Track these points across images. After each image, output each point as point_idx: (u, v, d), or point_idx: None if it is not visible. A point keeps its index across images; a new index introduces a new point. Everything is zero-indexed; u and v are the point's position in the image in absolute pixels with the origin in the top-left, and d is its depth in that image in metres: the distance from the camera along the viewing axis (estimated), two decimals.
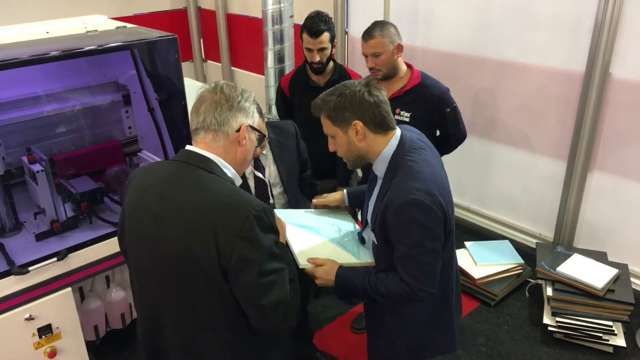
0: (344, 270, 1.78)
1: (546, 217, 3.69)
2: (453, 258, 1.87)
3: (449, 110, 2.65)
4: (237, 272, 1.37)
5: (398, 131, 1.75)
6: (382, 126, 1.70)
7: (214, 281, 1.39)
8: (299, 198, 2.51)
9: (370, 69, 2.66)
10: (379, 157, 1.72)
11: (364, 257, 1.88)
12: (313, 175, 2.66)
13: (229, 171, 1.52)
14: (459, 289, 2.00)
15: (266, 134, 2.13)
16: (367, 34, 2.62)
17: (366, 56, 2.66)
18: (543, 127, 3.54)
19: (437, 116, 2.66)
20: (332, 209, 2.20)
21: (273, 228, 1.44)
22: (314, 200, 2.20)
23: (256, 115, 1.58)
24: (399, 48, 2.62)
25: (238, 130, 1.51)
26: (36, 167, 2.50)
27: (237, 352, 1.50)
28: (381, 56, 2.60)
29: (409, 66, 2.73)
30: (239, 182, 1.56)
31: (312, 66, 2.92)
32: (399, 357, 1.91)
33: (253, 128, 1.57)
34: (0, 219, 2.59)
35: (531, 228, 3.81)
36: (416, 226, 1.61)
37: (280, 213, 2.05)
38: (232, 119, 1.50)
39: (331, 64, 2.99)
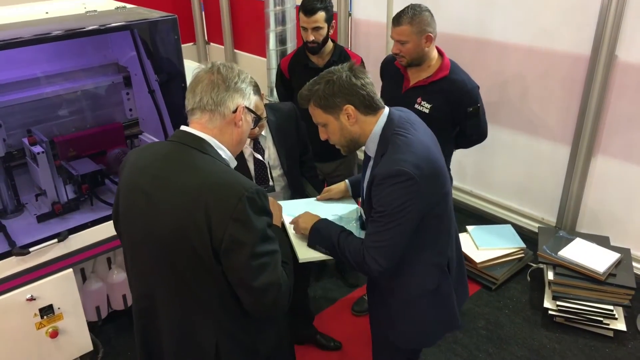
0: (326, 220, 1.82)
1: (549, 202, 3.67)
2: (452, 234, 1.86)
3: (471, 109, 2.52)
4: (228, 253, 1.37)
5: (386, 110, 1.75)
6: (371, 107, 1.71)
7: (206, 262, 1.39)
8: (298, 180, 2.50)
9: (395, 54, 2.54)
10: (369, 137, 1.73)
11: None
12: (313, 157, 2.64)
13: (224, 152, 1.52)
14: (463, 268, 1.99)
15: (263, 115, 2.11)
16: (396, 19, 2.49)
17: (393, 39, 2.53)
18: (547, 111, 3.50)
19: (458, 113, 2.54)
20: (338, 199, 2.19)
21: (266, 210, 1.44)
22: (318, 197, 2.19)
23: (252, 96, 1.57)
24: (428, 39, 2.46)
25: (234, 111, 1.50)
26: (37, 149, 2.50)
27: (231, 332, 1.51)
28: (406, 45, 2.46)
29: (441, 54, 2.58)
30: (233, 163, 1.56)
31: (307, 46, 2.89)
32: (402, 337, 1.91)
33: (249, 109, 1.56)
34: (2, 200, 2.60)
35: (534, 212, 3.79)
36: (395, 197, 1.59)
37: (283, 205, 2.05)
38: (229, 100, 1.49)
39: (330, 44, 2.95)
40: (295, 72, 3.00)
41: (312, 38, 2.84)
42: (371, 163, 1.77)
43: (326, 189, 2.20)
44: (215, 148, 1.49)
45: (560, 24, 3.26)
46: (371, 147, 1.74)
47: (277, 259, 1.45)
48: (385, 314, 1.90)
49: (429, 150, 1.69)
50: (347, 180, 2.17)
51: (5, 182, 2.56)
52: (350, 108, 1.67)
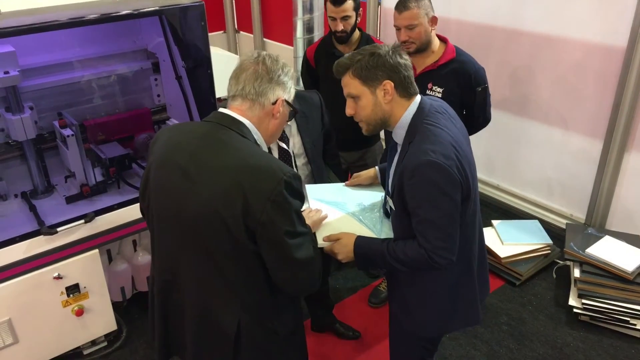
0: (361, 240, 1.78)
1: (578, 198, 3.58)
2: (475, 229, 1.83)
3: (480, 89, 2.53)
4: (266, 233, 1.41)
5: (418, 97, 1.72)
6: (407, 90, 1.69)
7: (239, 241, 1.42)
8: (322, 169, 2.49)
9: (403, 42, 2.52)
10: (398, 123, 1.70)
11: (384, 233, 1.86)
12: (337, 146, 2.63)
13: (259, 139, 1.55)
14: (485, 263, 1.96)
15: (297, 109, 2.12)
16: (402, 4, 2.49)
17: (398, 28, 2.53)
18: (579, 104, 3.40)
19: (467, 94, 2.55)
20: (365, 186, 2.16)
21: (301, 195, 1.47)
22: (346, 183, 2.17)
23: (292, 90, 1.60)
24: (434, 20, 2.50)
25: (274, 103, 1.54)
26: (67, 132, 2.56)
27: (253, 313, 1.53)
28: (416, 29, 2.46)
29: (442, 39, 2.61)
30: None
31: (335, 35, 2.87)
32: (419, 329, 1.90)
33: (288, 103, 1.59)
34: (33, 181, 2.68)
35: (562, 208, 3.70)
36: (432, 188, 1.58)
37: (308, 188, 2.05)
38: (270, 92, 1.52)
39: (357, 33, 2.93)
40: (321, 61, 2.99)
41: (341, 28, 2.82)
42: (399, 150, 1.75)
43: (355, 174, 2.17)
44: (253, 134, 1.52)
45: (595, 14, 3.16)
46: (399, 133, 1.72)
47: (312, 238, 1.52)
48: (403, 303, 1.89)
49: (457, 141, 1.66)
50: (376, 167, 2.15)
51: (36, 164, 2.64)
52: (389, 84, 1.65)
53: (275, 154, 2.33)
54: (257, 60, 1.54)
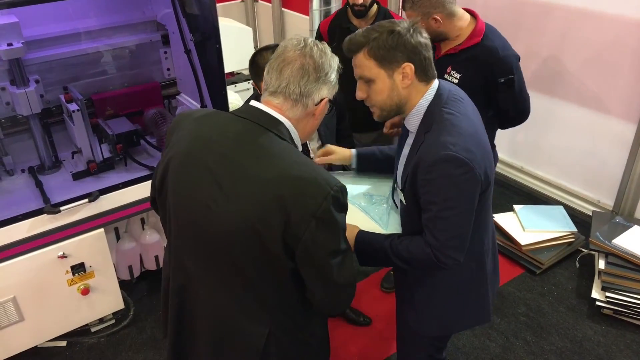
0: (363, 235, 1.66)
1: (607, 184, 3.39)
2: (489, 223, 1.71)
3: (502, 80, 2.23)
4: (308, 251, 1.27)
5: (436, 82, 1.57)
6: (426, 74, 1.53)
7: (275, 257, 1.28)
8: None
9: None
10: (413, 109, 1.55)
11: (391, 227, 1.75)
12: (350, 126, 2.51)
13: (296, 139, 1.39)
14: (496, 254, 1.84)
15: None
16: (403, 3, 2.29)
17: None
18: (614, 84, 3.19)
19: (489, 85, 2.26)
20: (373, 175, 2.02)
21: (346, 207, 1.34)
22: (316, 159, 1.96)
23: (337, 86, 1.43)
24: (436, 20, 2.19)
25: (317, 104, 1.38)
26: (72, 107, 2.48)
27: (282, 326, 1.42)
28: None
29: (475, 17, 2.30)
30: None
31: (353, 9, 2.70)
32: (424, 327, 1.80)
33: (330, 101, 1.43)
34: (40, 156, 2.62)
35: (589, 194, 3.53)
36: (450, 184, 1.45)
37: None
38: (316, 92, 1.36)
39: (374, 7, 2.76)
40: (336, 36, 2.83)
41: (361, 1, 2.65)
42: (410, 140, 1.60)
43: (328, 148, 1.98)
44: (291, 133, 1.37)
45: None
46: (413, 120, 1.56)
47: (353, 256, 1.40)
48: (409, 300, 1.79)
49: (477, 131, 1.52)
50: (353, 150, 1.99)
51: (42, 139, 2.58)
52: (409, 67, 1.48)
53: None
54: (303, 51, 1.34)
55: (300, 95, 1.34)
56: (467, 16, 2.28)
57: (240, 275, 1.34)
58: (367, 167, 2.00)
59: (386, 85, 1.51)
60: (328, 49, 1.40)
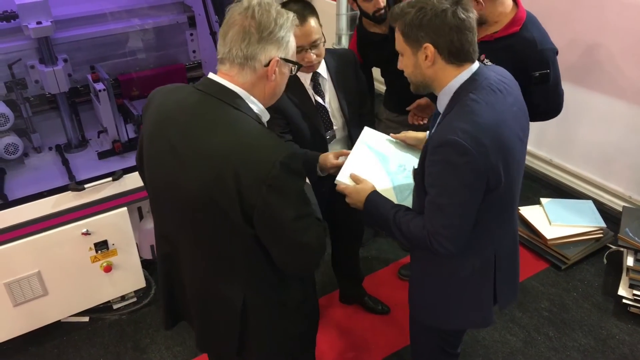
0: (375, 196, 1.65)
1: (639, 178, 3.28)
2: (505, 226, 1.64)
3: (537, 75, 2.15)
4: (263, 217, 1.29)
5: (475, 65, 1.50)
6: (458, 56, 1.46)
7: (236, 224, 1.31)
8: (359, 132, 2.36)
9: None
10: (443, 89, 1.51)
11: (407, 202, 1.73)
12: (391, 107, 2.53)
13: (256, 107, 1.38)
14: (517, 265, 1.77)
15: (303, 63, 1.96)
16: None
17: None
18: None
19: (523, 77, 2.06)
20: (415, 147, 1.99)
21: (300, 173, 1.34)
22: (393, 135, 1.97)
23: (292, 44, 1.38)
24: (478, 2, 2.09)
25: (267, 65, 1.34)
26: (99, 86, 2.51)
27: (257, 289, 1.46)
28: None
29: (517, 4, 2.21)
30: (266, 117, 1.43)
31: (374, 16, 2.61)
32: (419, 312, 1.80)
33: (286, 60, 1.38)
34: (67, 135, 2.66)
35: (620, 189, 3.42)
36: (450, 171, 1.41)
37: (365, 130, 1.98)
38: (261, 53, 1.31)
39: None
40: (368, 52, 2.75)
41: (382, 5, 2.57)
42: (437, 120, 1.57)
43: (405, 132, 1.97)
44: (247, 102, 1.36)
45: None
46: (442, 101, 1.52)
47: (312, 221, 1.38)
48: (412, 290, 1.79)
49: (499, 125, 1.44)
50: (427, 133, 1.92)
51: (70, 117, 2.62)
52: (430, 49, 1.44)
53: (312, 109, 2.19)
54: (246, 12, 1.29)
55: (245, 59, 1.31)
56: (510, 2, 2.21)
57: (210, 243, 1.39)
58: None
59: (410, 61, 1.51)
60: (274, 8, 1.34)
